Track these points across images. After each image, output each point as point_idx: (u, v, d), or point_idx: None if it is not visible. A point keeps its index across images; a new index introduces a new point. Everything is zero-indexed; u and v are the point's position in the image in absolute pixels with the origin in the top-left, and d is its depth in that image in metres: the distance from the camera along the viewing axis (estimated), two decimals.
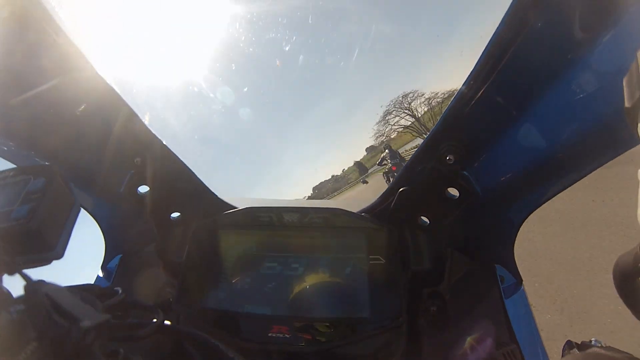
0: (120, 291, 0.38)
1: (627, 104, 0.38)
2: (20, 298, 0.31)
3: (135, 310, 0.41)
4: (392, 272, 0.93)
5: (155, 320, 0.39)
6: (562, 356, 0.50)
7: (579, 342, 0.52)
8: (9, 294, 0.31)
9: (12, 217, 0.32)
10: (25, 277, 0.31)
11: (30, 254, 0.32)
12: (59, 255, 0.34)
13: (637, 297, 0.45)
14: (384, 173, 12.35)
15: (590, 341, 0.51)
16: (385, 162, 12.14)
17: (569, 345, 0.53)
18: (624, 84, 0.39)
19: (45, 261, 0.33)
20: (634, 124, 0.38)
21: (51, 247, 0.33)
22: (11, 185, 0.35)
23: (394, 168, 11.20)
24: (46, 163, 0.37)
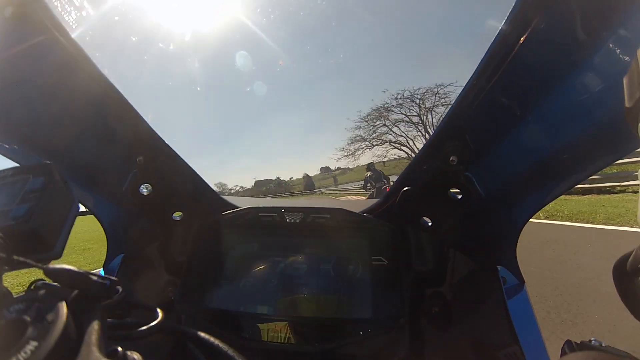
0: (120, 290, 0.38)
1: (627, 104, 0.38)
2: (21, 297, 0.31)
3: (136, 309, 0.41)
4: (394, 273, 0.93)
5: (156, 320, 0.39)
6: (561, 356, 0.49)
7: (579, 342, 0.52)
8: (8, 293, 0.31)
9: (10, 217, 0.32)
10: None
11: (29, 253, 0.32)
12: (58, 254, 0.34)
13: (636, 297, 0.45)
14: (369, 197, 10.51)
15: (590, 341, 0.51)
16: (369, 184, 10.30)
17: (569, 345, 0.53)
18: (624, 84, 0.39)
19: (44, 260, 0.32)
20: (634, 124, 0.37)
21: (50, 247, 0.33)
22: (10, 184, 0.35)
23: (387, 189, 9.91)
24: (47, 162, 0.36)
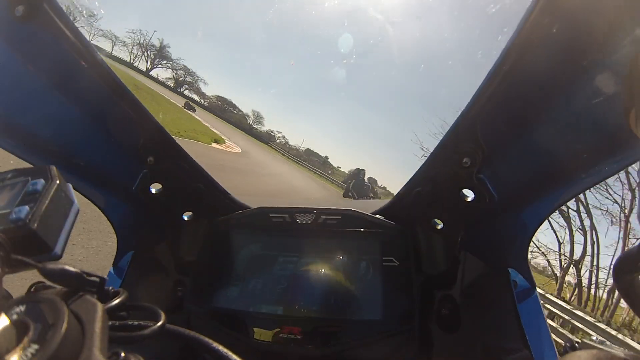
0: (122, 291, 0.38)
1: (626, 104, 0.37)
2: (21, 299, 0.31)
3: (139, 311, 0.41)
4: (405, 275, 0.92)
5: (157, 323, 0.39)
6: (562, 355, 0.49)
7: (580, 341, 0.53)
8: (8, 295, 0.31)
9: (10, 219, 0.32)
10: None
11: (29, 256, 0.32)
12: (58, 256, 0.34)
13: (637, 295, 0.46)
14: None
15: (592, 340, 0.52)
16: (350, 194, 8.76)
17: (570, 344, 0.53)
18: (625, 82, 0.38)
19: (44, 263, 0.32)
20: (634, 127, 0.37)
21: (50, 249, 0.33)
22: (10, 186, 0.35)
23: None
24: (50, 164, 0.37)
